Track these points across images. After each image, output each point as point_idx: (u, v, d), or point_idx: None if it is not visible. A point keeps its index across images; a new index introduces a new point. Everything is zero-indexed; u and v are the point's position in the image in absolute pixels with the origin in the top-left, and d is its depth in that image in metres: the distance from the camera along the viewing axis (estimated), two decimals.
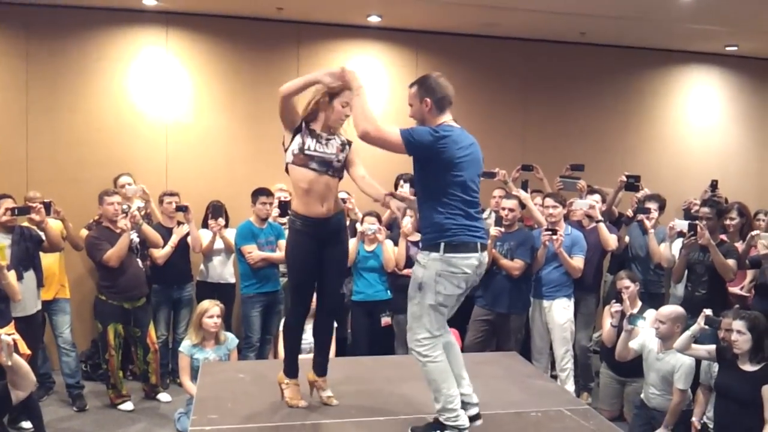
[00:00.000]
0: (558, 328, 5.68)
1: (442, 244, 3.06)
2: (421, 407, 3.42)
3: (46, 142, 6.66)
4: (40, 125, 6.65)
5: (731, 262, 5.24)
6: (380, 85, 7.36)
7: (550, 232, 5.53)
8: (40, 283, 5.33)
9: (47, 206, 5.41)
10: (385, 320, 5.85)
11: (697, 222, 5.36)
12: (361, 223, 5.89)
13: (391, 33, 7.45)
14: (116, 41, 6.82)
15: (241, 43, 7.11)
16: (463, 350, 3.59)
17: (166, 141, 6.96)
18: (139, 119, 6.91)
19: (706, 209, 5.53)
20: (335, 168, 3.46)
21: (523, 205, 5.91)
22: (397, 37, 7.48)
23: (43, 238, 5.36)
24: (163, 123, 6.96)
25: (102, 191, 5.75)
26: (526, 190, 6.39)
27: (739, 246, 5.54)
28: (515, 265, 5.59)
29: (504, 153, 7.07)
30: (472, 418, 3.25)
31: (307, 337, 5.25)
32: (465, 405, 3.24)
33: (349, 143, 3.55)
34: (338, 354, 5.43)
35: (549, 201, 5.79)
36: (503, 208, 5.70)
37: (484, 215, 5.77)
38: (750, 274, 5.62)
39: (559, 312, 5.68)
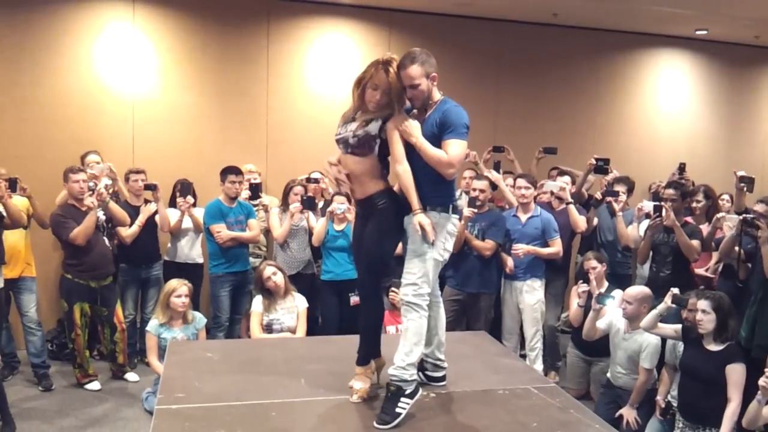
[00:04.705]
0: (529, 308, 5.73)
1: (451, 206, 3.20)
2: None
3: (10, 119, 6.52)
4: (4, 101, 6.49)
5: (695, 242, 5.32)
6: (352, 63, 7.29)
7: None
8: (1, 261, 5.21)
9: (14, 183, 5.34)
10: (354, 299, 5.81)
11: (662, 204, 5.43)
12: (331, 201, 5.87)
13: (364, 11, 7.38)
14: (82, 15, 6.66)
15: (210, 19, 6.99)
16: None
17: (133, 117, 6.84)
18: (105, 95, 6.77)
19: (670, 191, 5.60)
20: (351, 144, 3.16)
21: (494, 186, 5.94)
22: (369, 15, 7.42)
23: (4, 213, 5.24)
24: (129, 99, 6.84)
25: (67, 168, 5.65)
26: (498, 171, 6.41)
27: (705, 228, 5.62)
28: (486, 245, 5.62)
29: (475, 134, 6.89)
30: (441, 378, 3.51)
31: (279, 317, 5.30)
32: (439, 368, 3.49)
33: (385, 119, 3.16)
34: (309, 333, 5.43)
35: (521, 182, 5.81)
36: (474, 189, 5.71)
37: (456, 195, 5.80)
38: (715, 255, 5.70)
39: (531, 292, 5.74)
